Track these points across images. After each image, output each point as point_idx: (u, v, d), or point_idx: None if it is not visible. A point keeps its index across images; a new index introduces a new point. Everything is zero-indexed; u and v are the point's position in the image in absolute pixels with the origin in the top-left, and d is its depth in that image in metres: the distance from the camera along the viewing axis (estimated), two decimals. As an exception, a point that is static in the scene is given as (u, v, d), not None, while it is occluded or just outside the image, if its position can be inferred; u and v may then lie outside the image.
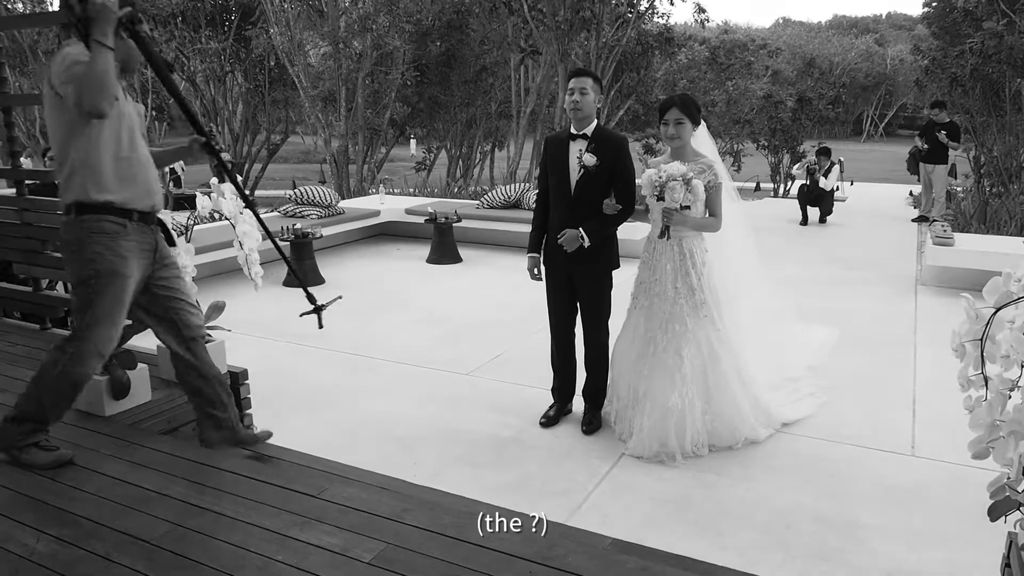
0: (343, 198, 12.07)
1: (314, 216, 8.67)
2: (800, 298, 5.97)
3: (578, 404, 3.96)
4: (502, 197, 9.11)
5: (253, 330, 5.49)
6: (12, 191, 3.80)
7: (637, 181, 3.56)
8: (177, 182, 16.15)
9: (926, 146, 9.68)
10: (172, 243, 2.70)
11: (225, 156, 2.76)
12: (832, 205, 10.32)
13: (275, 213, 9.22)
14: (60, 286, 4.52)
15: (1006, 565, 1.76)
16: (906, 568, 2.66)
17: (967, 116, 11.94)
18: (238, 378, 3.22)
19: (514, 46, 15.25)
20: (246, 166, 17.48)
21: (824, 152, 10.46)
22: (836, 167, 10.28)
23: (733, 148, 17.62)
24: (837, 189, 10.87)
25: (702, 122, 3.63)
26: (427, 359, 4.89)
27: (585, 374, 3.86)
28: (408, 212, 9.20)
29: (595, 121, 3.57)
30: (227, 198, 3.18)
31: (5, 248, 3.86)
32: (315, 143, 17.70)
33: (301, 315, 3.00)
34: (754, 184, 16.45)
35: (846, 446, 3.61)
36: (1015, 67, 10.79)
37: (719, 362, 3.52)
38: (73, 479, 2.34)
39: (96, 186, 2.35)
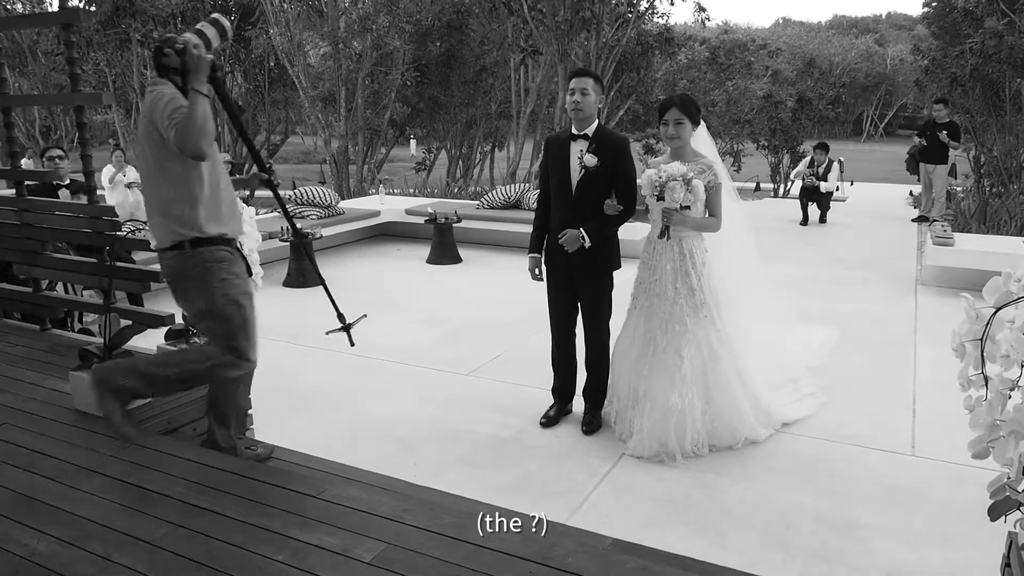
0: (343, 198, 12.07)
1: (314, 216, 8.67)
2: (800, 298, 5.97)
3: (578, 404, 3.96)
4: (502, 197, 9.11)
5: (253, 330, 5.48)
6: (12, 192, 3.80)
7: (638, 181, 3.56)
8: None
9: (924, 143, 9.68)
10: (250, 272, 2.84)
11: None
12: (829, 203, 10.28)
13: (275, 214, 9.22)
14: (60, 287, 4.52)
15: (1006, 565, 1.76)
16: (906, 568, 2.66)
17: (967, 116, 11.94)
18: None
19: (514, 46, 15.26)
20: (246, 166, 17.47)
21: (822, 147, 10.43)
22: (836, 165, 10.22)
23: (733, 148, 17.62)
24: (837, 189, 10.86)
25: (702, 122, 3.63)
26: (427, 359, 4.89)
27: (585, 374, 3.86)
28: (408, 212, 9.20)
29: (596, 121, 3.56)
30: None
31: (5, 249, 3.86)
32: (315, 143, 17.71)
33: (328, 333, 3.01)
34: (754, 184, 16.45)
35: (846, 446, 3.61)
36: (1015, 67, 10.79)
37: (719, 362, 3.52)
38: (73, 479, 2.34)
39: (209, 220, 2.53)
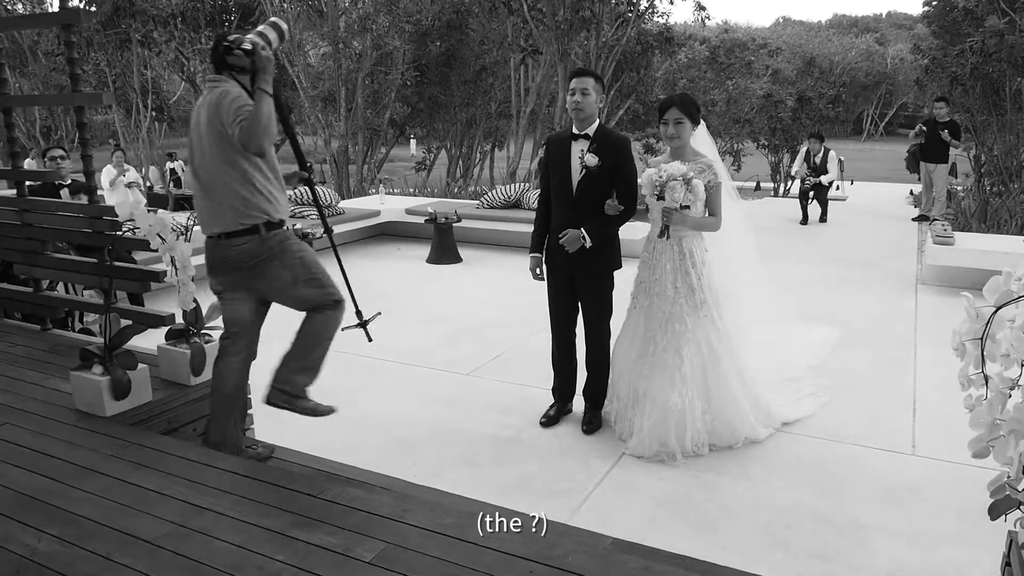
0: (343, 198, 12.07)
1: (314, 216, 8.66)
2: (800, 297, 5.97)
3: (578, 404, 3.96)
4: (502, 197, 9.11)
5: (253, 330, 5.49)
6: (13, 192, 3.80)
7: (638, 181, 3.56)
8: (177, 182, 16.16)
9: (924, 129, 9.66)
10: None
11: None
12: (827, 196, 10.19)
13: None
14: (61, 287, 4.52)
15: (1006, 564, 1.76)
16: (906, 567, 2.66)
17: (967, 115, 11.93)
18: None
19: (514, 46, 15.26)
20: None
21: (817, 137, 10.35)
22: (832, 154, 10.11)
23: (733, 147, 17.62)
24: (837, 188, 10.84)
25: (702, 122, 3.63)
26: (427, 359, 4.89)
27: (586, 374, 3.86)
28: (408, 212, 9.20)
29: (597, 121, 3.56)
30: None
31: (6, 249, 3.87)
32: (315, 143, 17.70)
33: (343, 329, 3.07)
34: (754, 184, 16.45)
35: (846, 445, 3.61)
36: (1016, 66, 10.79)
37: (719, 362, 3.52)
38: (74, 479, 2.34)
39: (276, 206, 2.77)
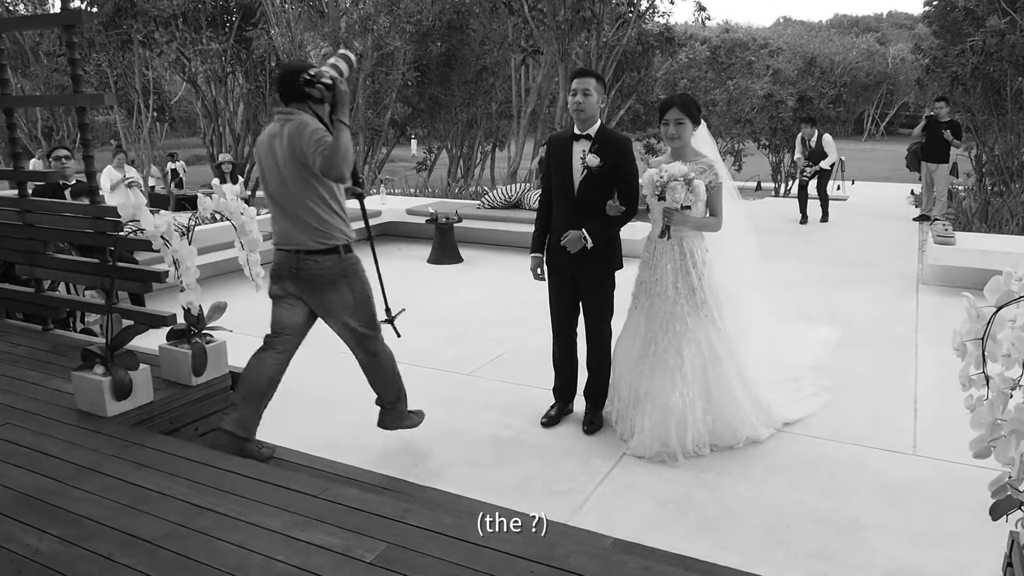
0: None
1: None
2: (801, 297, 5.97)
3: (579, 404, 3.96)
4: (503, 197, 9.11)
5: (255, 330, 5.48)
6: (15, 192, 3.81)
7: (639, 181, 3.56)
8: (179, 183, 16.18)
9: (923, 140, 9.65)
10: None
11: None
12: (827, 186, 10.02)
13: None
14: (62, 287, 4.53)
15: (1008, 564, 1.76)
16: (907, 568, 2.66)
17: (968, 115, 11.92)
18: (240, 379, 3.22)
19: (515, 46, 15.26)
20: (247, 166, 17.48)
21: (809, 121, 10.19)
22: (828, 137, 9.96)
23: (734, 148, 17.61)
24: (838, 188, 10.80)
25: (702, 122, 3.63)
26: (428, 359, 4.89)
27: (586, 374, 3.86)
28: (409, 212, 9.20)
29: (598, 121, 3.56)
30: (228, 199, 3.18)
31: (7, 249, 3.87)
32: (316, 144, 17.65)
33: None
34: (755, 184, 16.45)
35: (847, 446, 3.61)
36: (1017, 65, 10.78)
37: (720, 362, 3.52)
38: (75, 479, 2.35)
39: (349, 229, 3.05)
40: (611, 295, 3.71)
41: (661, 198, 3.38)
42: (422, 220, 8.46)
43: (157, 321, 3.25)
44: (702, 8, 15.28)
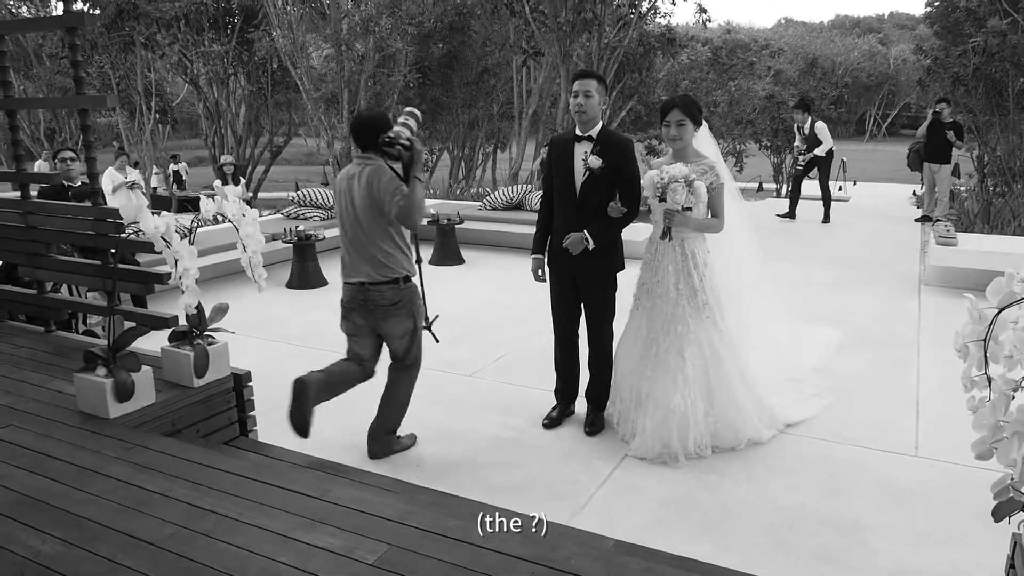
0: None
1: (317, 218, 8.68)
2: (803, 299, 5.96)
3: (581, 405, 3.96)
4: (504, 198, 9.11)
5: (257, 332, 5.51)
6: (17, 194, 3.81)
7: (641, 182, 3.55)
8: (181, 184, 16.20)
9: (925, 139, 9.62)
10: None
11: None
12: (827, 176, 9.81)
13: (278, 215, 9.24)
14: (64, 289, 4.53)
15: (1010, 566, 1.76)
16: (909, 569, 2.65)
17: (970, 115, 11.91)
18: (242, 380, 3.23)
19: (516, 47, 15.26)
20: (249, 168, 17.51)
21: (800, 107, 9.98)
22: (820, 124, 9.76)
23: (735, 149, 17.61)
24: (840, 188, 10.76)
25: (704, 123, 3.63)
26: (430, 360, 4.85)
27: (588, 375, 3.86)
28: (411, 214, 9.19)
29: (600, 123, 3.56)
30: (230, 200, 3.19)
31: (10, 251, 3.88)
32: (318, 145, 17.75)
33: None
34: (757, 184, 16.44)
35: (849, 447, 3.60)
36: (1018, 66, 10.77)
37: (721, 363, 3.52)
38: (77, 481, 2.35)
39: (408, 265, 3.40)
40: (613, 296, 3.71)
41: (662, 200, 3.38)
42: (423, 221, 8.46)
43: (159, 323, 3.26)
44: (703, 10, 15.29)
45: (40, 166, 15.99)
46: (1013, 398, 1.65)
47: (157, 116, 17.84)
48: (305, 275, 6.99)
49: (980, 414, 1.67)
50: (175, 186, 16.09)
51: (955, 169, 10.96)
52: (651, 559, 2.12)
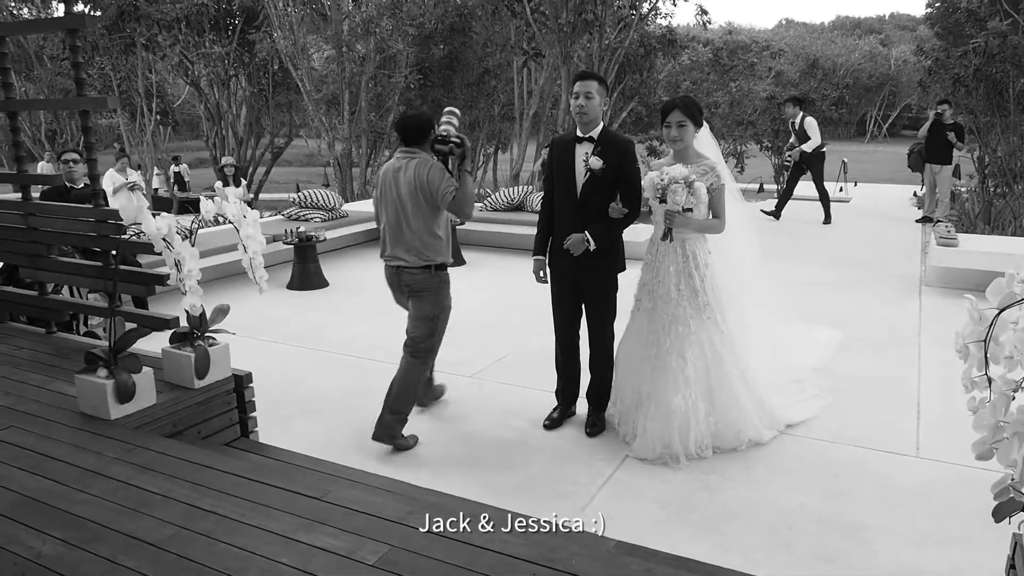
0: (346, 201, 12.09)
1: (318, 219, 8.69)
2: (804, 299, 5.97)
3: (582, 406, 3.96)
4: (505, 199, 9.12)
5: (258, 333, 5.51)
6: (18, 196, 3.82)
7: (642, 183, 3.56)
8: (182, 186, 16.22)
9: (926, 140, 9.62)
10: None
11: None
12: (821, 176, 9.73)
13: (279, 216, 9.25)
14: (65, 290, 4.54)
15: (1011, 567, 1.76)
16: (910, 570, 2.65)
17: (971, 116, 11.90)
18: (242, 381, 3.23)
19: (517, 49, 15.26)
20: (250, 169, 17.53)
21: (792, 101, 9.95)
22: (810, 120, 9.71)
23: (736, 149, 17.59)
24: (841, 189, 10.73)
25: (705, 124, 3.63)
26: (431, 362, 4.88)
27: (589, 376, 3.86)
28: (411, 215, 9.19)
29: (601, 124, 3.57)
30: (231, 202, 3.19)
31: (11, 252, 3.88)
32: (319, 146, 17.74)
33: None
34: (757, 185, 16.43)
35: (850, 447, 3.60)
36: (1019, 67, 10.76)
37: (722, 364, 3.52)
38: (78, 482, 2.35)
39: (445, 253, 3.58)
40: (614, 297, 3.71)
41: (662, 201, 3.38)
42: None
43: (160, 324, 3.26)
44: (704, 11, 15.29)
45: (42, 167, 16.01)
46: (1013, 399, 1.65)
47: (158, 118, 17.86)
48: (306, 276, 6.99)
49: (980, 415, 1.67)
50: (176, 188, 16.11)
51: (956, 170, 10.95)
52: (652, 560, 2.12)
